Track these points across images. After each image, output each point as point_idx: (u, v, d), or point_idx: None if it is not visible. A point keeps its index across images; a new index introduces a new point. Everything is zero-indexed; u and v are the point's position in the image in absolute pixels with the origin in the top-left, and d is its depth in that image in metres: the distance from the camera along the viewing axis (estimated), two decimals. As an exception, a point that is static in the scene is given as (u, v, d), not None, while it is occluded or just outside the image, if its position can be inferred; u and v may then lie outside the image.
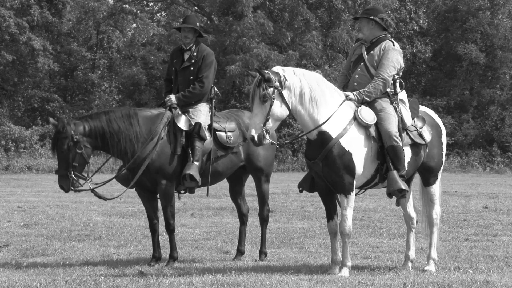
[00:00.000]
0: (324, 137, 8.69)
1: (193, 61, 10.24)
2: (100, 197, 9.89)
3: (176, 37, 41.06)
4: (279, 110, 8.56)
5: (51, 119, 9.78)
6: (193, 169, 9.73)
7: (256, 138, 8.45)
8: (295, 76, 8.68)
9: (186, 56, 10.31)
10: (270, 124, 8.52)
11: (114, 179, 10.06)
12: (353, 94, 8.99)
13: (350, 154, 8.70)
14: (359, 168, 8.76)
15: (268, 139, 8.52)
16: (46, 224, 14.35)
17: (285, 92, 8.58)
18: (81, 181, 9.58)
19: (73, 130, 9.48)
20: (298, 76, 8.70)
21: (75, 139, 9.46)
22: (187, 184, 9.84)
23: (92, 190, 9.69)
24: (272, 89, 8.51)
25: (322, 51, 43.59)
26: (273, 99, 8.50)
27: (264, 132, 8.47)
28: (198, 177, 9.74)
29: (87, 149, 9.55)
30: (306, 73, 8.80)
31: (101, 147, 9.73)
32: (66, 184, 9.48)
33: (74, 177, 9.46)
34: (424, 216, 9.69)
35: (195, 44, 10.32)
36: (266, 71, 8.60)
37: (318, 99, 8.69)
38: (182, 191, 10.19)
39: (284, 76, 8.60)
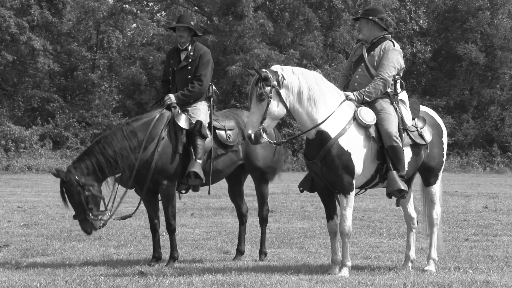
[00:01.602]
0: (322, 136, 8.69)
1: (190, 60, 10.24)
2: (124, 217, 9.97)
3: (176, 37, 41.06)
4: (276, 109, 8.56)
5: (51, 171, 9.76)
6: (197, 166, 9.75)
7: (252, 137, 8.47)
8: (293, 75, 8.68)
9: (182, 56, 10.31)
10: (267, 122, 8.53)
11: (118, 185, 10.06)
12: (353, 94, 8.98)
13: (349, 154, 8.69)
14: (358, 168, 8.76)
15: (265, 138, 8.53)
16: (46, 224, 14.35)
17: (282, 91, 8.58)
18: (100, 222, 9.57)
19: (76, 175, 9.47)
20: (296, 75, 8.70)
21: (81, 183, 9.45)
22: (191, 182, 9.86)
23: (117, 218, 9.77)
24: (269, 88, 8.51)
25: (322, 51, 43.60)
26: (270, 98, 8.51)
27: (261, 130, 8.48)
28: (202, 175, 9.77)
29: (95, 187, 9.53)
30: (305, 72, 8.80)
31: (105, 176, 9.68)
32: (90, 227, 9.53)
33: (94, 218, 9.47)
34: (424, 216, 9.69)
35: (191, 43, 10.33)
36: (263, 70, 8.60)
37: (317, 98, 8.69)
38: (183, 191, 10.20)
39: (282, 75, 8.60)
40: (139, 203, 10.09)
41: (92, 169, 9.56)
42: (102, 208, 9.65)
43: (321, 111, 8.70)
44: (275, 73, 8.61)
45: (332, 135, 8.68)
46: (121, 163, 9.64)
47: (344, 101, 8.86)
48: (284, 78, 8.60)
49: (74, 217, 9.61)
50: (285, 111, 8.64)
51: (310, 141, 8.80)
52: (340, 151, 8.66)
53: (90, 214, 9.47)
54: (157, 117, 9.92)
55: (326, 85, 8.86)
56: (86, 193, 9.46)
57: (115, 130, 9.89)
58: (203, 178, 9.80)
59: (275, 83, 8.55)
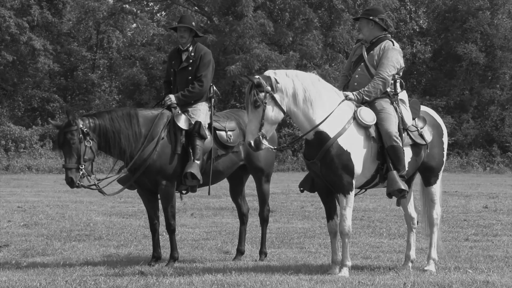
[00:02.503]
0: (321, 137, 8.68)
1: (191, 61, 10.25)
2: (100, 191, 9.88)
3: (176, 38, 41.01)
4: (272, 113, 8.56)
5: (52, 121, 9.79)
6: (194, 167, 9.75)
7: (253, 144, 8.47)
8: (287, 78, 8.67)
9: (184, 57, 10.31)
10: (266, 128, 8.53)
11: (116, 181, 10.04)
12: (353, 94, 8.98)
13: (349, 153, 8.69)
14: (358, 167, 8.75)
15: (265, 144, 8.53)
16: (46, 224, 14.35)
17: (277, 95, 8.57)
18: (86, 180, 9.53)
19: (82, 124, 9.51)
20: (290, 77, 8.69)
21: (85, 131, 9.47)
22: (188, 183, 9.85)
23: (97, 186, 9.65)
24: (263, 94, 8.51)
25: (322, 50, 43.60)
26: (265, 103, 8.51)
27: (261, 137, 8.48)
28: (199, 176, 9.76)
29: (94, 144, 9.57)
30: (300, 74, 8.79)
31: (103, 146, 9.73)
32: (76, 177, 9.34)
33: (85, 172, 9.42)
34: (424, 216, 9.69)
35: (192, 44, 10.33)
36: (256, 77, 8.60)
37: (314, 99, 8.68)
38: (184, 191, 10.19)
39: (275, 79, 8.59)
40: (121, 190, 10.03)
41: (97, 130, 9.60)
42: (89, 170, 9.56)
43: (319, 111, 8.69)
44: (268, 78, 8.60)
45: (331, 135, 8.67)
46: (124, 141, 9.65)
47: (343, 101, 8.86)
48: (277, 82, 8.59)
49: (65, 165, 9.44)
50: (282, 115, 8.64)
51: (309, 141, 8.80)
52: (340, 151, 8.66)
53: (82, 167, 9.41)
54: (159, 115, 9.93)
55: (324, 85, 8.85)
56: (86, 143, 9.45)
57: (123, 110, 9.94)
58: (200, 179, 9.79)
59: (268, 88, 8.54)
